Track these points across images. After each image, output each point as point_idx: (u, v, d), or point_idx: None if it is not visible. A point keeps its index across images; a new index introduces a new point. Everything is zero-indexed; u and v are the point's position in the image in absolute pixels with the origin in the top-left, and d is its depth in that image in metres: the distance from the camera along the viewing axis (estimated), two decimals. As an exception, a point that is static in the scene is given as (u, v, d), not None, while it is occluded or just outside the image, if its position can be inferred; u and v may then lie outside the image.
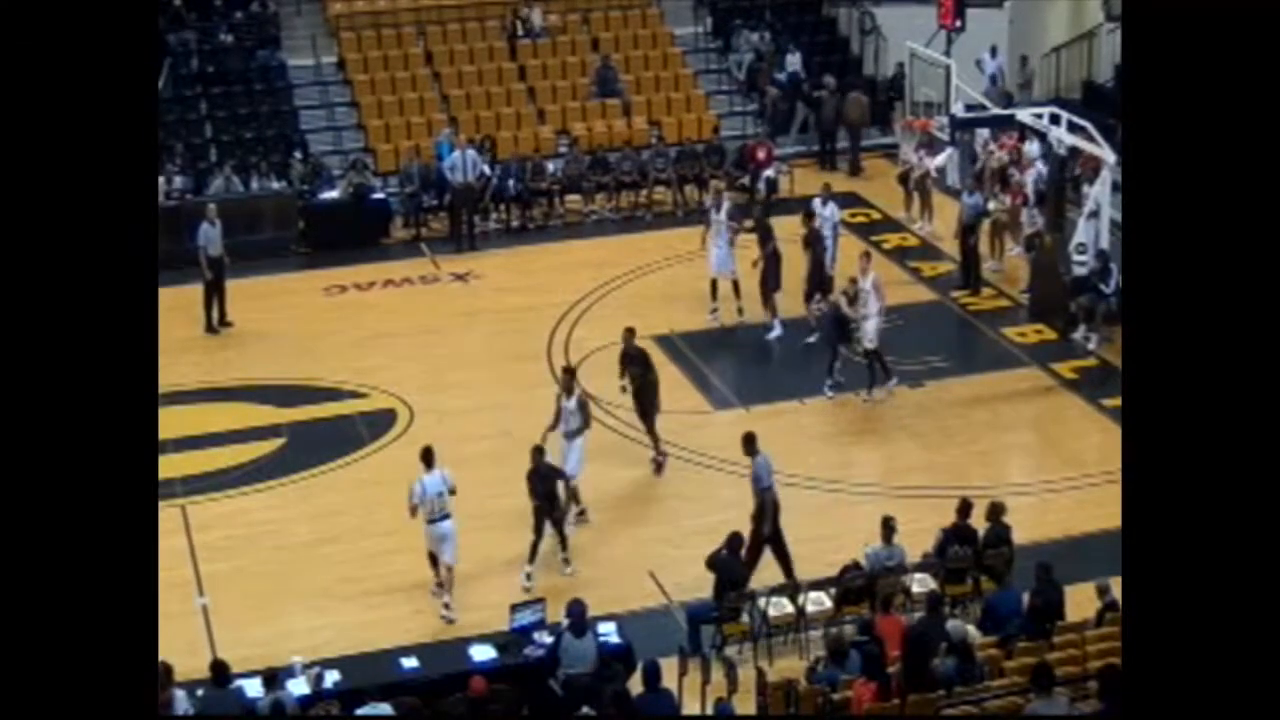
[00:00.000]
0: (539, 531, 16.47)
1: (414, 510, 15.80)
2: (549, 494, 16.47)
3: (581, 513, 17.69)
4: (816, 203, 23.75)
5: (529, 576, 16.44)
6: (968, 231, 23.71)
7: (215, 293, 23.14)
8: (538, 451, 16.57)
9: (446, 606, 15.98)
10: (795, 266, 22.94)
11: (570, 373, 18.51)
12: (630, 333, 19.29)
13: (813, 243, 22.86)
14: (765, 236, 22.52)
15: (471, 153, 26.62)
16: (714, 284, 22.82)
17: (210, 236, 23.02)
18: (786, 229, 24.31)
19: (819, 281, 22.62)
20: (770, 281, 22.35)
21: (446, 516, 15.91)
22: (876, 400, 20.38)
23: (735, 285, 22.65)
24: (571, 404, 17.65)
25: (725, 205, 22.93)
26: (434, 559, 16.23)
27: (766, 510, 16.05)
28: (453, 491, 15.93)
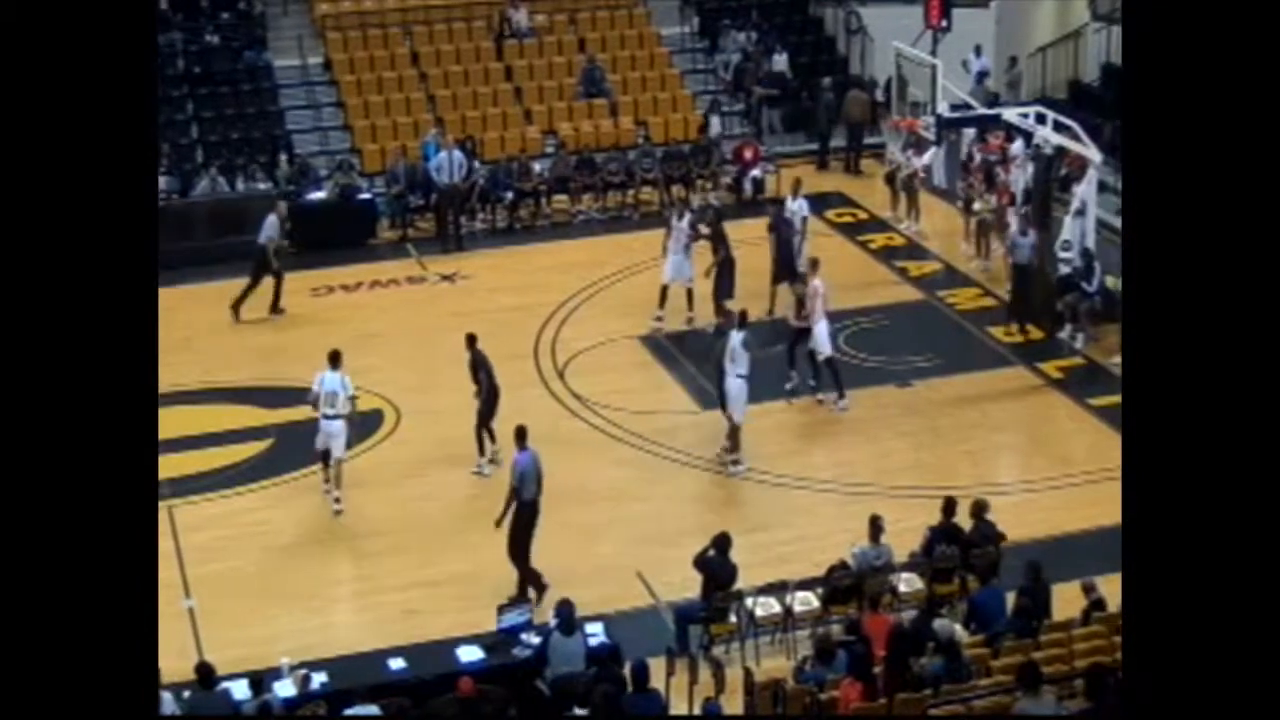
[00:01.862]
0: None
1: (315, 402, 17.79)
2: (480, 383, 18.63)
3: (735, 461, 18.64)
4: (787, 197, 24.03)
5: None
6: (1022, 275, 22.55)
7: (275, 280, 23.67)
8: (470, 340, 18.84)
9: (337, 500, 17.91)
10: (757, 267, 22.90)
11: (743, 315, 19.21)
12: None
13: (777, 227, 22.87)
14: (719, 243, 22.45)
15: (458, 153, 26.61)
16: (665, 291, 22.56)
17: (274, 228, 23.55)
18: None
19: (786, 266, 22.55)
20: (723, 288, 22.26)
21: (338, 417, 17.75)
22: (843, 408, 20.26)
23: (689, 293, 22.54)
24: (738, 341, 18.49)
25: (687, 214, 22.89)
26: (325, 457, 17.98)
27: (509, 507, 16.05)
28: (352, 398, 17.84)
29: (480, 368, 18.71)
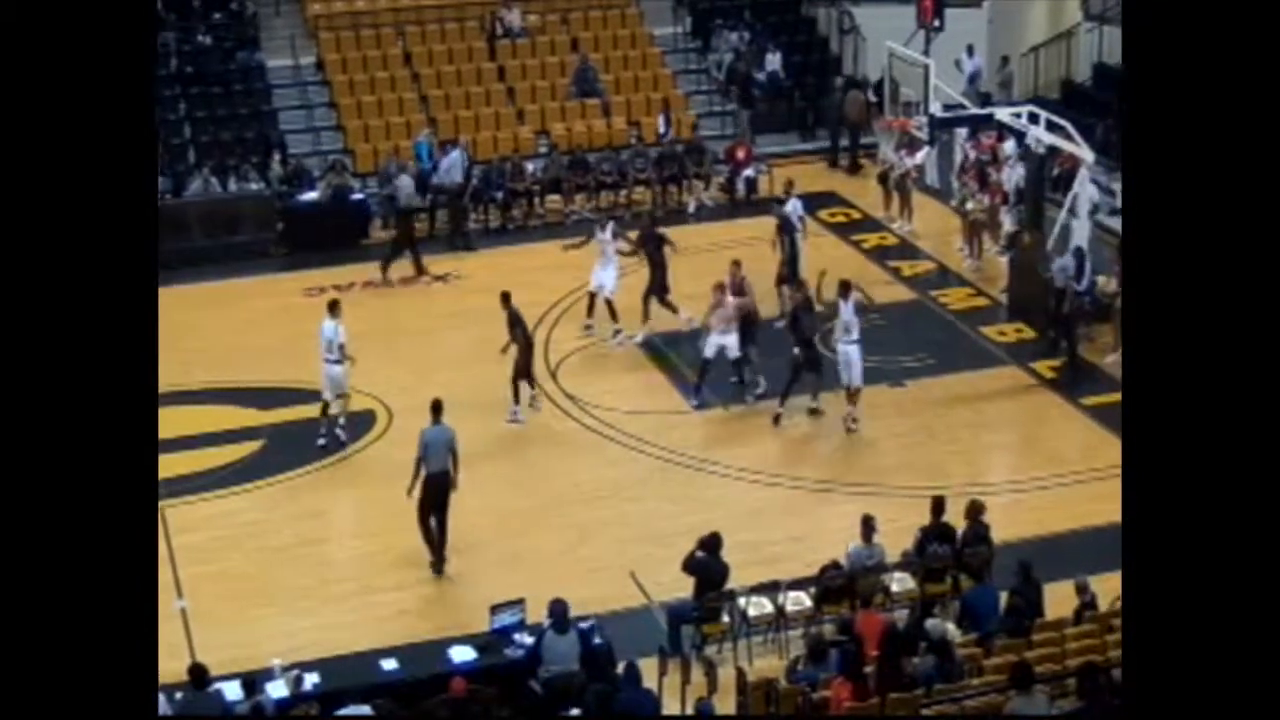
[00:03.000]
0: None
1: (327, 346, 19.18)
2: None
3: (854, 420, 19.74)
4: (781, 198, 24.00)
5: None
6: (1060, 300, 21.60)
7: (409, 243, 25.06)
8: (505, 297, 20.00)
9: (340, 429, 19.33)
10: (757, 269, 22.81)
11: (846, 284, 20.02)
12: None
13: (783, 231, 22.88)
14: (658, 245, 22.39)
15: (461, 153, 26.66)
16: (608, 303, 22.28)
17: (406, 188, 25.11)
18: (761, 228, 24.33)
19: (793, 271, 22.64)
20: (654, 290, 22.22)
21: (335, 362, 19.09)
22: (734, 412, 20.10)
23: (609, 304, 22.30)
24: (849, 310, 19.52)
25: (610, 226, 22.69)
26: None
27: (415, 477, 16.64)
28: (341, 345, 19.00)
29: (516, 324, 19.82)
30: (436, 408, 16.98)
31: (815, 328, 19.90)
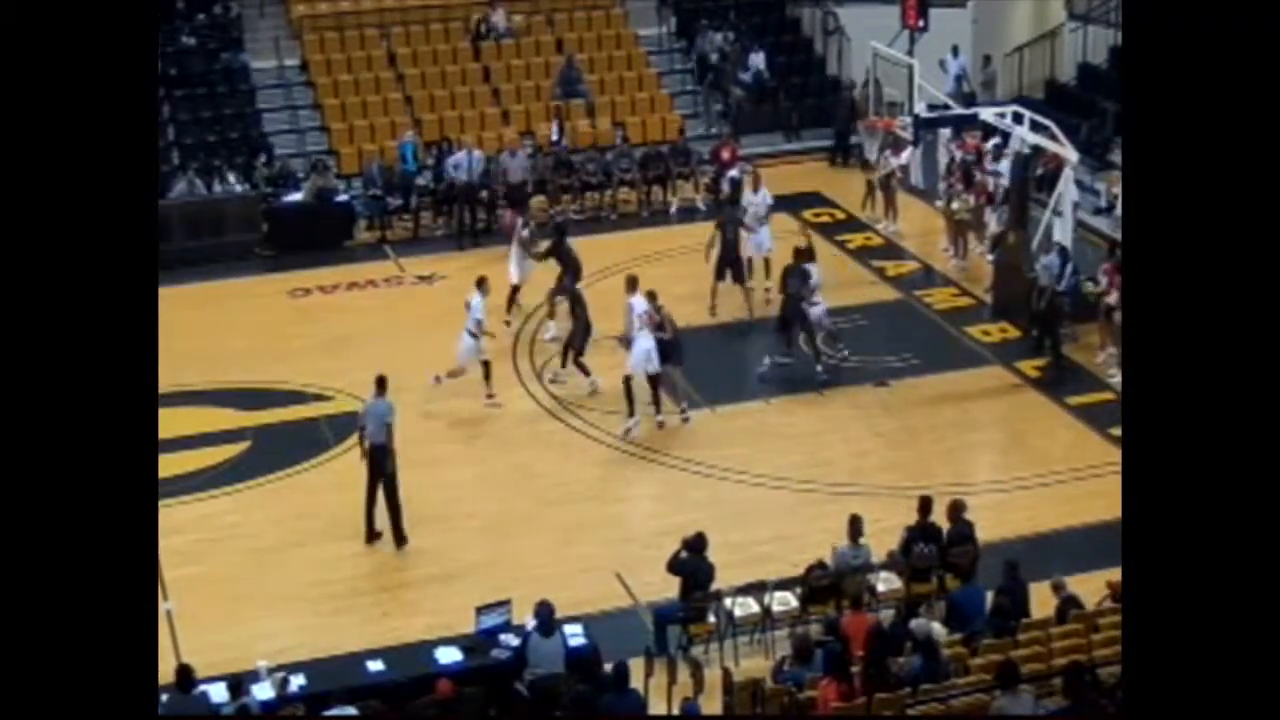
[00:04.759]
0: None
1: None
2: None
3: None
4: (748, 190, 24.09)
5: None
6: (1044, 299, 21.54)
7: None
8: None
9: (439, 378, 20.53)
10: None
11: (809, 250, 21.83)
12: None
13: (724, 225, 22.96)
14: (560, 237, 22.71)
15: (478, 153, 26.67)
16: (515, 291, 22.79)
17: (516, 172, 26.35)
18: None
19: (730, 262, 22.90)
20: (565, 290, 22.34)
21: (473, 334, 20.21)
22: (627, 429, 19.69)
23: (516, 289, 22.79)
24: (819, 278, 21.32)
25: (529, 226, 23.00)
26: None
27: (361, 447, 17.37)
28: (478, 320, 20.05)
29: (575, 303, 21.01)
30: (380, 382, 17.51)
31: (799, 289, 20.88)
